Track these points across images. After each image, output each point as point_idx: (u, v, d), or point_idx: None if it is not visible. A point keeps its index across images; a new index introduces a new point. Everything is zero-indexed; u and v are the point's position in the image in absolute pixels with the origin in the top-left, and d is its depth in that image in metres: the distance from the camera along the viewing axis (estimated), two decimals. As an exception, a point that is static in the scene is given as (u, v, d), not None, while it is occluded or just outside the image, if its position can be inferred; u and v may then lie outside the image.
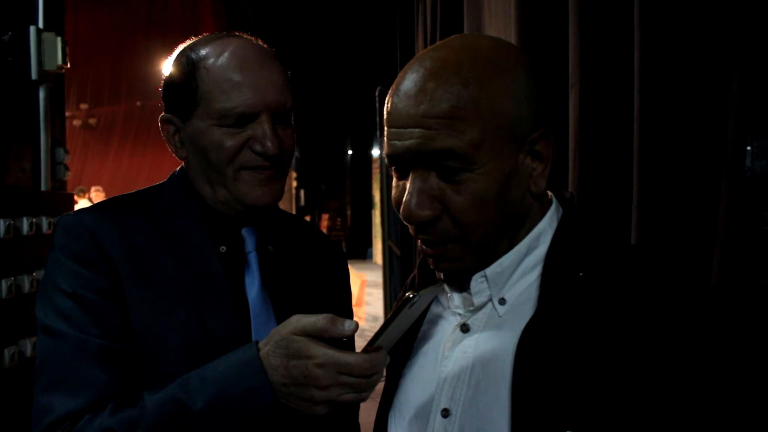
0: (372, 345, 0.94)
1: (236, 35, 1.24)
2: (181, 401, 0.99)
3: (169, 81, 1.22)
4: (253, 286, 1.23)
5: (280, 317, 1.19)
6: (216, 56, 1.18)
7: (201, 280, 1.17)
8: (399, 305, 0.89)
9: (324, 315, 0.96)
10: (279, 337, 0.98)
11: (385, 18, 7.86)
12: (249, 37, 1.25)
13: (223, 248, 1.23)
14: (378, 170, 9.11)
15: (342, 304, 1.41)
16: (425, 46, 4.54)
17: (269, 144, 1.16)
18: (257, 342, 1.02)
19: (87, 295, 1.09)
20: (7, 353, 2.17)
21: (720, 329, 0.85)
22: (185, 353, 1.12)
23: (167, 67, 1.23)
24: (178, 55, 1.23)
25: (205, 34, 1.26)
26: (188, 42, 1.25)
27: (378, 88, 6.60)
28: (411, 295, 0.88)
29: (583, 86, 1.60)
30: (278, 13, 11.37)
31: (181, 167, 1.29)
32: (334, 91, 16.51)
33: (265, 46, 1.25)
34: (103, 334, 1.08)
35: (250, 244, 1.25)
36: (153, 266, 1.15)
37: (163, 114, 1.25)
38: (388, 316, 0.90)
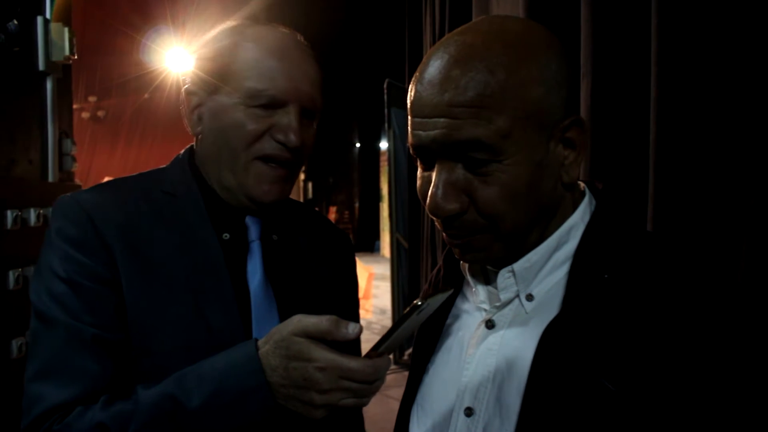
0: (376, 350, 0.93)
1: (281, 26, 1.22)
2: (176, 398, 0.97)
3: (204, 54, 1.19)
4: (255, 277, 1.19)
5: (282, 310, 1.18)
6: (257, 39, 1.16)
7: (201, 268, 1.14)
8: (406, 312, 0.87)
9: (328, 317, 0.94)
10: (279, 337, 0.96)
11: (393, 10, 7.82)
12: (292, 31, 1.23)
13: (226, 236, 1.19)
14: (386, 163, 9.08)
15: (347, 295, 1.39)
16: (433, 38, 4.52)
17: (292, 135, 1.14)
18: (256, 340, 1.00)
19: (82, 282, 1.06)
20: (14, 344, 2.17)
21: (755, 344, 0.81)
22: (182, 345, 1.08)
23: (206, 43, 1.21)
24: (219, 32, 1.20)
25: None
26: (231, 22, 1.23)
27: (386, 80, 6.58)
28: (419, 302, 0.86)
29: (595, 76, 1.58)
30: (286, 6, 11.35)
31: (187, 151, 1.26)
32: (342, 84, 16.48)
33: (307, 44, 1.23)
34: (97, 323, 1.05)
35: (253, 233, 1.22)
36: (152, 253, 1.12)
37: (188, 85, 1.22)
38: (395, 321, 0.88)
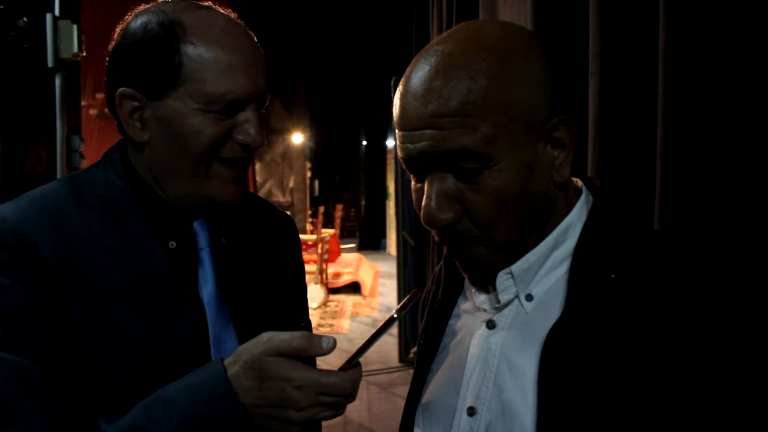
0: (351, 362, 0.93)
1: (213, 7, 1.09)
2: (145, 431, 0.91)
3: (135, 49, 1.03)
4: (207, 287, 1.11)
5: (237, 319, 1.12)
6: (204, 30, 1.02)
7: (151, 283, 1.04)
8: (383, 325, 0.89)
9: (300, 333, 0.91)
10: (249, 357, 0.91)
11: (400, 7, 7.81)
12: (225, 10, 1.10)
13: (172, 244, 1.09)
14: (392, 161, 9.10)
15: (296, 287, 1.33)
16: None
17: (255, 134, 1.05)
18: (222, 360, 0.95)
19: (21, 314, 0.95)
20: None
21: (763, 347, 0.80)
22: (137, 367, 1.00)
23: (128, 31, 1.05)
24: (146, 20, 1.04)
25: None
26: (151, 4, 1.07)
27: (393, 78, 6.57)
28: (395, 315, 0.88)
29: (603, 74, 1.57)
30: (293, 3, 11.36)
31: (118, 148, 1.13)
32: (348, 81, 16.48)
33: (244, 23, 1.10)
34: (43, 357, 0.94)
35: (203, 240, 1.12)
36: (96, 271, 1.01)
37: (122, 88, 1.05)
38: (372, 334, 0.90)
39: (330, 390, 0.90)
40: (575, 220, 0.94)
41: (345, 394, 0.92)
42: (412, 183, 0.94)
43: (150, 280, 1.04)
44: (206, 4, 1.09)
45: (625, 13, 1.52)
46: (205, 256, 1.12)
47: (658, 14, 1.33)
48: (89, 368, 0.99)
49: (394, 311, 0.89)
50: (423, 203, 0.89)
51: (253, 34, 1.10)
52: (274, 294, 1.21)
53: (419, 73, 0.87)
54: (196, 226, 1.12)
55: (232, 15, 1.10)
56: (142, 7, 1.07)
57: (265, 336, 0.92)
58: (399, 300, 6.92)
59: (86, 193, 1.07)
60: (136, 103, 1.05)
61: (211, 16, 1.05)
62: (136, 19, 1.05)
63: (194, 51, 1.01)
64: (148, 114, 1.04)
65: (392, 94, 6.54)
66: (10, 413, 0.92)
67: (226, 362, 0.94)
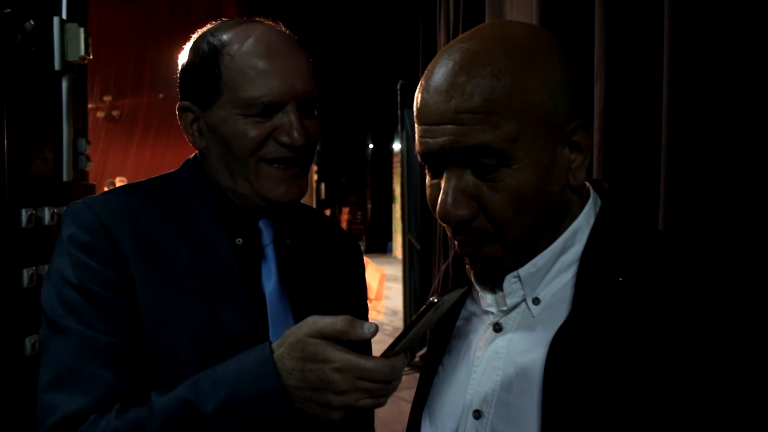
0: (392, 350, 0.92)
1: (258, 21, 1.18)
2: (191, 403, 0.96)
3: (188, 68, 1.16)
4: (270, 281, 1.17)
5: (298, 314, 1.16)
6: (240, 42, 1.11)
7: (215, 274, 1.12)
8: (422, 310, 0.87)
9: (342, 317, 0.92)
10: (294, 339, 0.94)
11: (408, 10, 7.82)
12: (271, 22, 1.19)
13: (239, 240, 1.17)
14: (399, 164, 9.11)
15: (358, 299, 1.38)
16: (447, 39, 4.52)
17: (296, 134, 1.10)
18: (270, 342, 0.98)
19: (96, 289, 1.04)
20: (28, 342, 2.19)
21: None
22: (197, 351, 1.07)
23: (185, 53, 1.17)
24: (197, 41, 1.16)
25: (224, 19, 1.20)
26: (207, 27, 1.18)
27: (400, 81, 6.58)
28: (435, 299, 0.86)
29: (608, 78, 1.57)
30: (301, 5, 11.38)
31: (196, 155, 1.24)
32: (355, 85, 16.51)
33: (288, 32, 1.19)
34: (111, 330, 1.04)
35: (267, 237, 1.19)
36: (165, 259, 1.10)
37: (181, 102, 1.18)
38: (412, 320, 0.88)
39: (369, 375, 0.90)
40: (583, 224, 0.94)
41: (385, 381, 0.91)
42: (427, 179, 0.94)
43: (214, 270, 1.12)
44: (247, 18, 1.18)
45: (630, 18, 1.52)
46: (270, 252, 1.19)
47: (663, 19, 1.33)
48: (151, 347, 1.07)
49: (434, 296, 0.87)
50: (440, 199, 0.88)
51: (293, 41, 1.17)
52: (334, 299, 1.24)
53: (442, 68, 0.87)
54: (262, 224, 1.20)
55: (276, 25, 1.18)
56: (199, 31, 1.19)
57: (310, 319, 0.95)
58: (405, 303, 6.91)
59: (164, 192, 1.17)
60: (193, 115, 1.17)
61: (248, 29, 1.14)
62: (191, 43, 1.17)
63: (230, 62, 1.11)
64: (202, 123, 1.16)
65: (399, 98, 6.55)
66: (76, 379, 1.01)
67: (274, 344, 0.97)
